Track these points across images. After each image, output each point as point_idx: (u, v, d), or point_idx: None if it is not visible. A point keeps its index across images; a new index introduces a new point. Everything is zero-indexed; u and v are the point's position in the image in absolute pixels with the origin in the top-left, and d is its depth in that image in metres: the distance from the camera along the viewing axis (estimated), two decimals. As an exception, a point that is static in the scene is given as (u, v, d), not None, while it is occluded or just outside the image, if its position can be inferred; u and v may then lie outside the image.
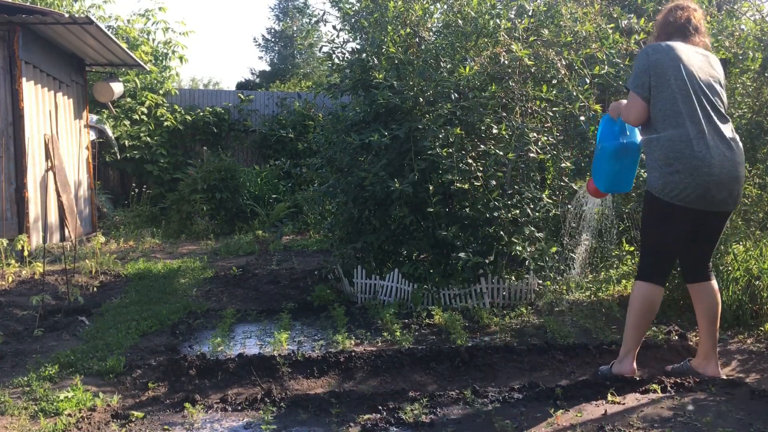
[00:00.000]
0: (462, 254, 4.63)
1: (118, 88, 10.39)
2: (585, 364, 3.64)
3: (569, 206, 3.98)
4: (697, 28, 3.41)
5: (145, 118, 11.92)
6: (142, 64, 10.33)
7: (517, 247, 4.74)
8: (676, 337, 4.03)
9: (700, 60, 3.31)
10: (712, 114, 3.20)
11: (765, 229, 4.83)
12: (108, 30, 9.16)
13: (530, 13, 5.24)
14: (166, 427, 2.89)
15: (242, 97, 12.96)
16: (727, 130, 3.23)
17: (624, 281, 5.24)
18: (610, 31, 4.74)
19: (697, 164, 3.12)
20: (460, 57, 5.12)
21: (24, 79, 7.39)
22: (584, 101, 4.56)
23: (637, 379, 3.30)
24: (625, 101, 3.42)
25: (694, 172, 3.12)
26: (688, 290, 3.47)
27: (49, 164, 7.77)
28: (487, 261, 4.81)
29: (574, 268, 4.53)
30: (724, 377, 3.35)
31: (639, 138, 3.41)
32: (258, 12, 78.27)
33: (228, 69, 69.73)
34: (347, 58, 5.81)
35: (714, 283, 3.40)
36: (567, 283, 5.18)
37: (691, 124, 3.15)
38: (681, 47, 3.30)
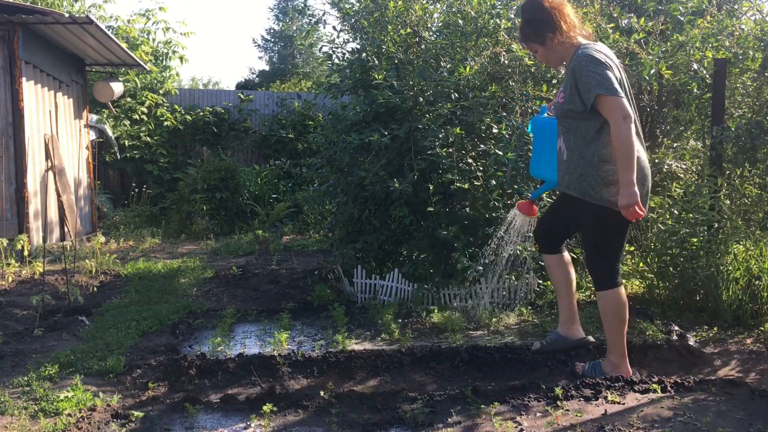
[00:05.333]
0: (464, 259, 4.62)
1: (118, 88, 10.39)
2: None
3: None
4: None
5: (145, 118, 11.92)
6: (142, 64, 10.33)
7: (518, 247, 4.74)
8: (676, 337, 4.03)
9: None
10: None
11: (765, 229, 4.82)
12: (108, 30, 9.16)
13: (530, 13, 5.24)
14: (166, 427, 2.89)
15: (242, 96, 12.95)
16: None
17: (624, 281, 5.23)
18: (610, 31, 4.74)
19: (648, 173, 3.24)
20: (460, 57, 5.12)
21: (24, 79, 7.39)
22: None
23: (637, 379, 3.31)
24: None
25: (645, 181, 3.22)
26: (550, 261, 3.59)
27: (49, 164, 7.77)
28: (487, 261, 4.81)
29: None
30: (592, 339, 3.61)
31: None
32: (257, 12, 78.33)
33: (228, 69, 69.79)
34: (347, 58, 5.81)
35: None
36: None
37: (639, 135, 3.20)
38: (605, 48, 3.25)
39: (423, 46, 5.48)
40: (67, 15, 7.50)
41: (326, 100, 8.90)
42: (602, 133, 3.12)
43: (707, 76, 4.90)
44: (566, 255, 3.58)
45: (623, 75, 3.23)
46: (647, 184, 3.25)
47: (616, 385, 3.21)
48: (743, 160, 4.94)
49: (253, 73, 26.12)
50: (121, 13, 33.98)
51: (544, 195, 4.64)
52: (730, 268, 4.38)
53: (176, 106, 12.37)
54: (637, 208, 3.01)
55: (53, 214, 8.04)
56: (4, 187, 7.33)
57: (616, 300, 3.31)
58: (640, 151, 3.17)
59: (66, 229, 8.09)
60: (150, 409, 3.09)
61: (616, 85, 3.03)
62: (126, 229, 9.66)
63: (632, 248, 5.14)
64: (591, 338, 3.64)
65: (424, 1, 5.66)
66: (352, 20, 5.80)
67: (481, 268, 4.67)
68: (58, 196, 7.88)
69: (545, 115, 3.69)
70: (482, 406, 3.03)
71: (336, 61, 5.92)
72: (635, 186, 3.00)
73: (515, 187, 4.79)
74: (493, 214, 4.79)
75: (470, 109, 4.93)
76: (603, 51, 3.17)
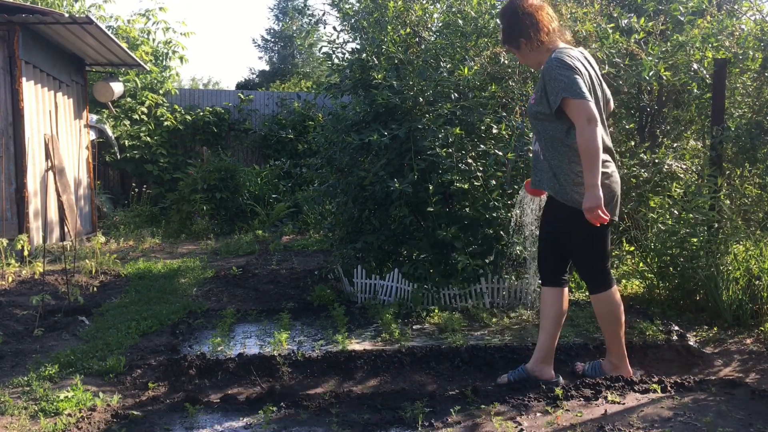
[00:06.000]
0: (462, 257, 4.62)
1: (118, 88, 10.39)
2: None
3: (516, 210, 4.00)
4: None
5: (145, 118, 11.92)
6: (142, 64, 10.33)
7: (517, 247, 4.74)
8: (676, 337, 4.03)
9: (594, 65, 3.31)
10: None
11: (765, 229, 4.83)
12: (108, 30, 9.16)
13: (530, 13, 5.23)
14: (166, 427, 2.89)
15: (242, 96, 12.96)
16: None
17: (624, 281, 5.24)
18: (610, 31, 4.74)
19: (617, 182, 3.24)
20: (460, 57, 5.12)
21: (24, 79, 7.39)
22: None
23: (637, 379, 3.31)
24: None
25: (615, 184, 3.23)
26: (547, 294, 3.35)
27: (49, 164, 7.77)
28: (487, 261, 4.81)
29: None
30: (563, 381, 3.32)
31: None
32: (257, 12, 78.36)
33: (228, 69, 69.87)
34: (347, 58, 5.81)
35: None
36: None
37: (606, 136, 3.20)
38: (579, 52, 3.24)
39: (423, 46, 5.48)
40: (67, 15, 7.50)
41: (326, 100, 8.90)
42: (570, 135, 3.13)
43: (707, 76, 4.90)
44: (566, 292, 3.38)
45: (598, 81, 3.24)
46: (617, 191, 3.23)
47: (616, 385, 3.21)
48: (743, 160, 4.94)
49: (253, 73, 26.13)
50: (121, 13, 33.98)
51: None
52: (730, 268, 4.38)
53: (176, 106, 12.37)
54: (600, 212, 2.97)
55: (53, 214, 8.04)
56: (4, 187, 7.33)
57: (609, 302, 3.29)
58: (609, 161, 3.19)
59: (66, 229, 8.09)
60: (150, 409, 3.09)
61: (583, 89, 3.02)
62: (126, 229, 9.66)
63: (632, 248, 5.14)
64: (561, 380, 3.34)
65: (424, 1, 5.66)
66: (352, 20, 5.80)
67: (480, 261, 4.67)
68: (58, 196, 7.88)
69: None
70: (482, 406, 3.03)
71: (336, 61, 5.92)
72: (599, 189, 2.97)
73: (515, 187, 4.79)
74: (493, 215, 4.79)
75: (470, 109, 4.93)
76: (576, 56, 3.16)
